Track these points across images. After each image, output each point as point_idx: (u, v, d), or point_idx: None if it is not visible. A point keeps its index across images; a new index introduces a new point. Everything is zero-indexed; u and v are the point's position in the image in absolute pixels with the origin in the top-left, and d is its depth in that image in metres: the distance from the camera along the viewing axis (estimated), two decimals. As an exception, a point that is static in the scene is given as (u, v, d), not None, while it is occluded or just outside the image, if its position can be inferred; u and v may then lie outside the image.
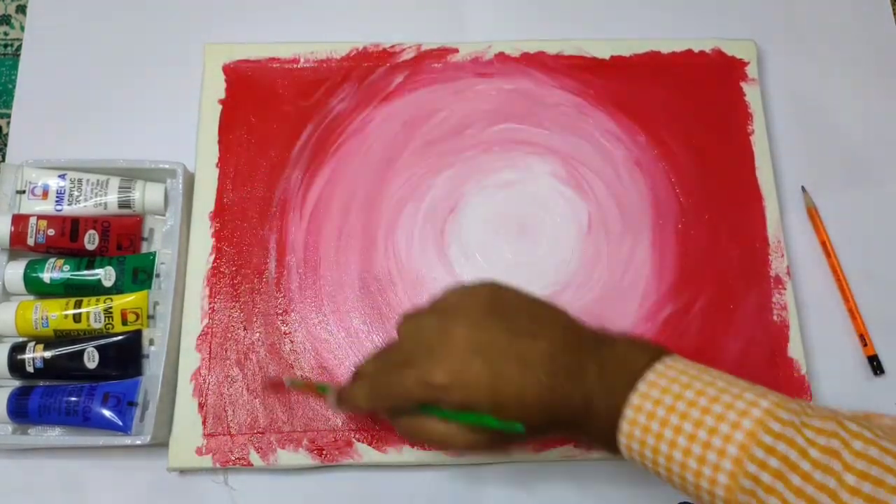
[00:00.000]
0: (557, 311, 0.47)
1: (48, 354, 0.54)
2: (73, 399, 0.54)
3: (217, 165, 0.61)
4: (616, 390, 0.42)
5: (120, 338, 0.55)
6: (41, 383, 0.55)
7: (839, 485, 0.35)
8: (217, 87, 0.63)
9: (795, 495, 0.36)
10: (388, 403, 0.47)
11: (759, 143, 0.63)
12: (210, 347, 0.57)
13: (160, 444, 0.54)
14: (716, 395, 0.40)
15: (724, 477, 0.38)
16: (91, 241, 0.57)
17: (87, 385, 0.54)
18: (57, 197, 0.58)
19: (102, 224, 0.58)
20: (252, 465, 0.54)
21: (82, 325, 0.55)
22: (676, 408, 0.40)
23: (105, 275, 0.57)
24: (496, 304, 0.46)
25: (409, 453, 0.55)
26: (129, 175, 0.60)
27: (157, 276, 0.58)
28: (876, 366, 0.59)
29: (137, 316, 0.56)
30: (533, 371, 0.43)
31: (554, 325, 0.46)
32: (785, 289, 0.59)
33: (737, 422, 0.38)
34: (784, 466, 0.37)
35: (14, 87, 0.66)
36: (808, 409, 0.39)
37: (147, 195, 0.59)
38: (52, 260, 0.57)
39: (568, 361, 0.44)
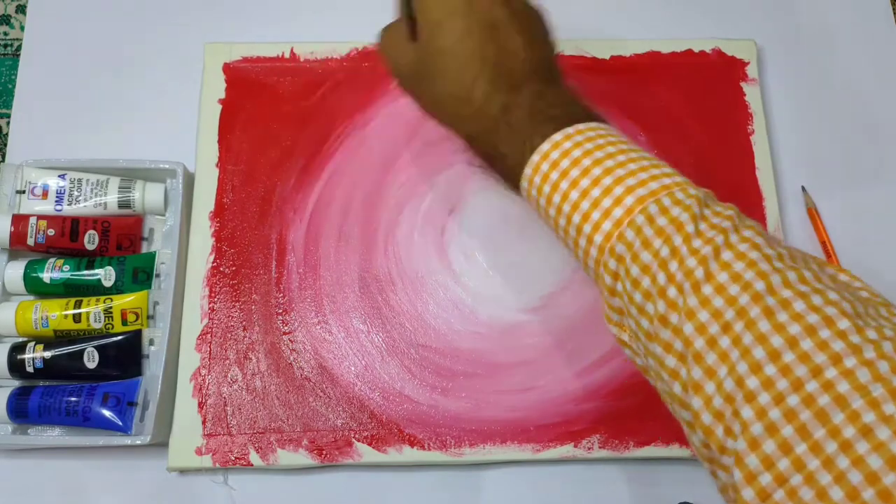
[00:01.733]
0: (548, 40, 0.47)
1: (48, 354, 0.54)
2: (73, 399, 0.54)
3: (217, 165, 0.61)
4: (536, 124, 0.42)
5: (120, 338, 0.55)
6: (41, 383, 0.55)
7: (714, 256, 0.35)
8: (217, 87, 0.63)
9: (672, 254, 0.36)
10: None
11: (759, 143, 0.63)
12: (210, 347, 0.57)
13: (160, 444, 0.54)
14: (625, 161, 0.39)
15: (609, 223, 0.38)
16: (91, 241, 0.57)
17: (87, 385, 0.54)
18: (57, 197, 0.58)
19: (102, 224, 0.58)
20: (252, 465, 0.54)
21: (82, 325, 0.55)
22: (594, 154, 0.39)
23: (105, 275, 0.57)
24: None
25: (409, 453, 0.55)
26: (129, 175, 0.60)
27: (157, 276, 0.58)
28: (876, 366, 0.58)
29: (137, 316, 0.56)
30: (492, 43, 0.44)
31: (542, 42, 0.46)
32: (785, 289, 0.59)
33: (632, 187, 0.38)
34: (671, 227, 0.36)
35: (14, 87, 0.65)
36: (709, 198, 0.39)
37: (147, 195, 0.59)
38: (52, 260, 0.57)
39: (515, 74, 0.44)
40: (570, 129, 0.41)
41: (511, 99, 0.43)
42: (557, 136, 0.40)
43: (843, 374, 0.31)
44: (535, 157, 0.41)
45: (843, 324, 0.32)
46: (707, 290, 0.34)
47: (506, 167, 0.43)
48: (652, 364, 0.38)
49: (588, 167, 0.39)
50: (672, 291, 0.35)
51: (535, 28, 0.46)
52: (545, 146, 0.41)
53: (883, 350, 0.31)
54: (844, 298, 0.33)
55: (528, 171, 0.41)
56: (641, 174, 0.39)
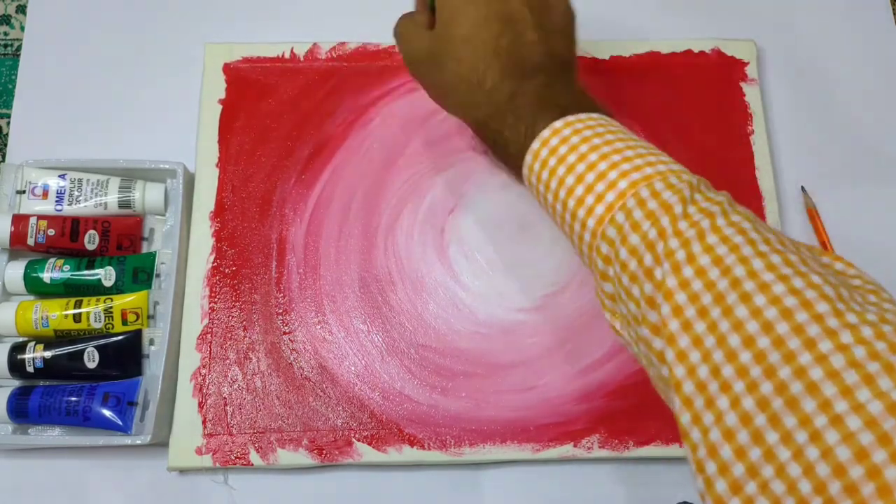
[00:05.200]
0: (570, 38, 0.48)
1: (48, 354, 0.54)
2: (73, 399, 0.54)
3: (217, 165, 0.61)
4: (541, 110, 0.42)
5: (120, 338, 0.55)
6: (41, 383, 0.55)
7: (698, 238, 0.35)
8: (217, 87, 0.63)
9: (659, 235, 0.36)
10: None
11: (759, 143, 0.63)
12: (210, 347, 0.57)
13: (160, 443, 0.54)
14: (622, 148, 0.39)
15: (601, 207, 0.38)
16: (91, 241, 0.57)
17: (87, 385, 0.54)
18: (57, 197, 0.58)
19: (102, 224, 0.58)
20: (252, 464, 0.54)
21: (82, 325, 0.55)
22: (591, 141, 0.40)
23: (105, 275, 0.57)
24: None
25: (409, 453, 0.55)
26: (129, 175, 0.60)
27: (157, 275, 0.58)
28: (876, 366, 0.58)
29: (137, 316, 0.56)
30: (506, 30, 0.45)
31: (563, 34, 0.48)
32: (785, 289, 0.59)
33: (627, 171, 0.38)
34: (661, 210, 0.36)
35: (14, 87, 0.66)
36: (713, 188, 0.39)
37: (147, 195, 0.59)
38: (52, 260, 0.57)
39: (526, 57, 0.45)
40: (570, 118, 0.41)
41: (519, 86, 0.43)
42: (558, 124, 0.41)
43: (817, 359, 0.29)
44: (536, 144, 0.41)
45: (822, 307, 0.31)
46: (687, 272, 0.34)
47: (509, 154, 0.44)
48: (643, 350, 0.37)
49: (585, 153, 0.39)
50: (659, 273, 0.35)
51: (555, 23, 0.47)
52: (546, 133, 0.41)
53: (861, 334, 0.30)
54: (828, 282, 0.32)
55: (528, 158, 0.42)
56: (637, 160, 0.39)
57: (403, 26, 0.51)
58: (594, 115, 0.42)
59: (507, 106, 0.43)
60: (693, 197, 0.37)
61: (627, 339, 0.40)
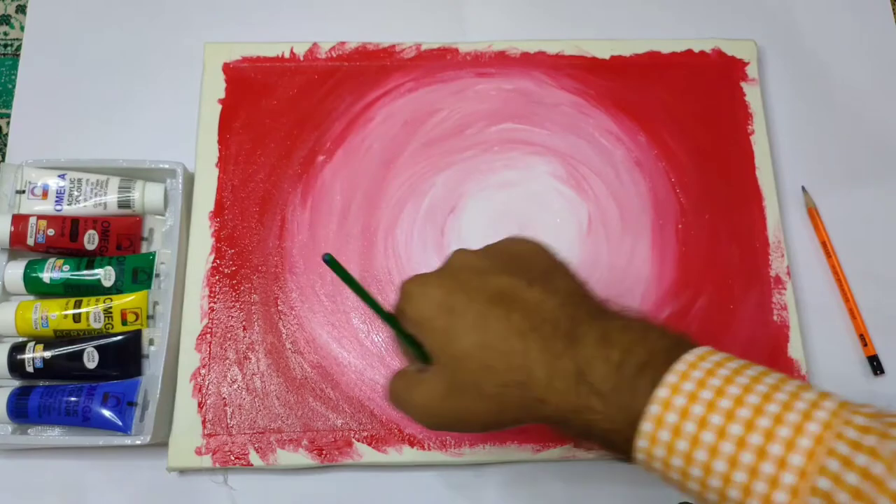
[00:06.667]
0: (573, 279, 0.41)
1: (48, 354, 0.54)
2: (73, 399, 0.54)
3: (217, 165, 0.61)
4: (630, 379, 0.34)
5: (119, 338, 0.55)
6: (41, 383, 0.55)
7: None
8: (217, 87, 0.63)
9: None
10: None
11: (759, 143, 0.63)
12: (210, 347, 0.57)
13: (160, 444, 0.54)
14: (767, 393, 0.33)
15: (783, 495, 0.31)
16: (91, 241, 0.57)
17: (86, 385, 0.54)
18: (57, 197, 0.58)
19: (102, 224, 0.58)
20: (252, 465, 0.54)
21: (82, 325, 0.55)
22: (718, 405, 0.32)
23: (105, 275, 0.57)
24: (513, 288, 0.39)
25: (409, 453, 0.55)
26: (129, 175, 0.60)
27: (157, 275, 0.58)
28: (876, 366, 0.59)
29: (137, 316, 0.56)
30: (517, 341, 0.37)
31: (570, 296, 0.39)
32: (785, 289, 0.59)
33: (799, 424, 0.31)
34: (867, 484, 0.30)
35: (14, 87, 0.66)
36: (882, 412, 0.33)
37: (147, 195, 0.59)
38: (51, 260, 0.57)
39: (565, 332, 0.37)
40: (671, 378, 0.34)
41: (578, 355, 0.36)
42: (663, 393, 0.34)
43: None
44: (648, 427, 0.34)
45: None
46: None
47: (610, 442, 0.36)
48: None
49: (722, 427, 0.32)
50: None
51: (535, 266, 0.41)
52: (655, 409, 0.34)
53: None
54: None
55: (642, 443, 0.35)
56: (790, 416, 0.32)
57: (401, 385, 0.41)
58: (689, 360, 0.34)
59: (582, 390, 0.35)
60: (892, 449, 0.30)
61: None
